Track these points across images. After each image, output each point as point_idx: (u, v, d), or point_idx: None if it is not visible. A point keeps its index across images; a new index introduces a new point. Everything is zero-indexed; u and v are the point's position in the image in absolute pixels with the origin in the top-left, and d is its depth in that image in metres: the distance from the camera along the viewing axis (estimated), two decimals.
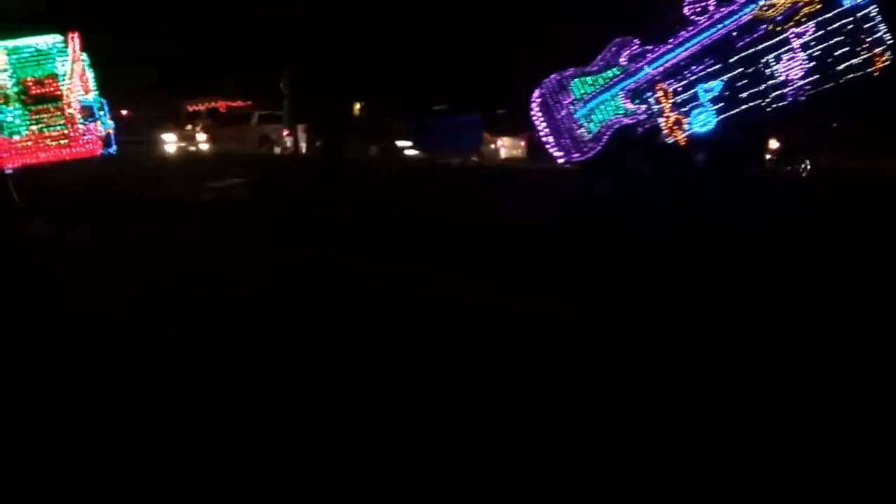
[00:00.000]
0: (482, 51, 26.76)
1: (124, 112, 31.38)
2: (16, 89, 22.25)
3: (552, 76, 18.35)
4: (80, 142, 21.82)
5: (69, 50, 22.39)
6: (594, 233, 10.70)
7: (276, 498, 3.81)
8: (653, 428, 4.48)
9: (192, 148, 30.29)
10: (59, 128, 21.93)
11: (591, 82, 18.11)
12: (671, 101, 18.17)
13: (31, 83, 22.28)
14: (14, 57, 22.22)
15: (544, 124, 18.02)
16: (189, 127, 33.23)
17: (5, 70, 22.10)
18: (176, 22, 29.15)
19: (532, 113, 18.17)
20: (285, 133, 28.47)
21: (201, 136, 30.82)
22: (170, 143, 30.07)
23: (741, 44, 18.02)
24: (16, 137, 21.71)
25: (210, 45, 30.50)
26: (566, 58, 18.41)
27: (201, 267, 9.57)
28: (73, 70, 22.34)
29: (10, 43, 22.42)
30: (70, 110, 21.96)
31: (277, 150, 29.65)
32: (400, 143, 24.02)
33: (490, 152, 24.76)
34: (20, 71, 22.22)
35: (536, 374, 5.45)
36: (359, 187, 16.46)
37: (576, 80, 18.10)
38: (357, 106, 30.01)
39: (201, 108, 36.46)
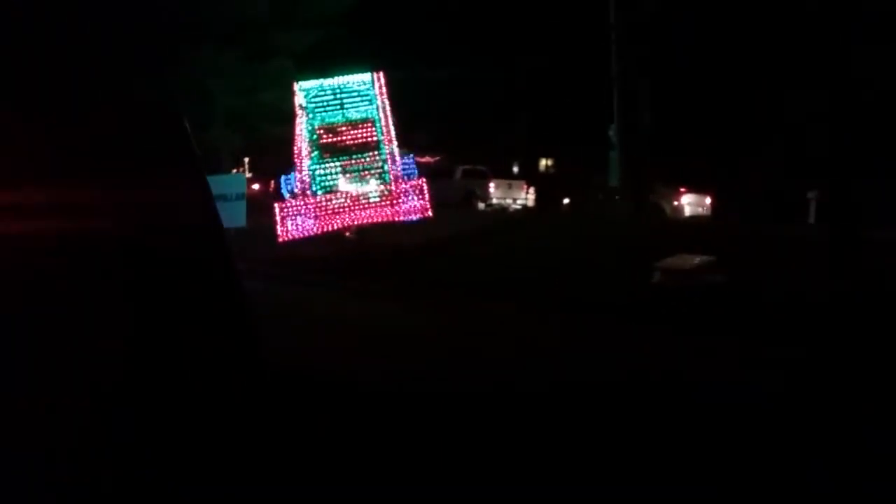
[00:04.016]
0: None
1: None
2: (315, 137, 18.16)
3: None
4: (407, 199, 17.46)
5: (376, 91, 18.33)
6: None
7: None
8: None
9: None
10: (377, 182, 17.65)
11: None
12: None
13: (336, 130, 18.20)
14: (316, 100, 18.17)
15: None
16: None
17: (305, 115, 18.04)
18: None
19: None
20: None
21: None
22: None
23: None
24: (321, 195, 17.47)
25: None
26: None
27: None
28: (383, 115, 18.23)
29: (311, 83, 18.42)
30: (389, 162, 17.74)
31: (481, 205, 27.96)
32: None
33: (673, 209, 23.94)
34: (322, 116, 18.16)
35: None
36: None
37: None
38: None
39: None
